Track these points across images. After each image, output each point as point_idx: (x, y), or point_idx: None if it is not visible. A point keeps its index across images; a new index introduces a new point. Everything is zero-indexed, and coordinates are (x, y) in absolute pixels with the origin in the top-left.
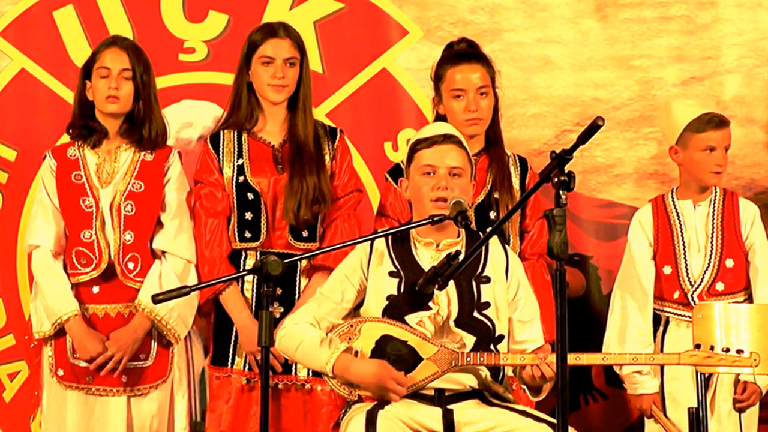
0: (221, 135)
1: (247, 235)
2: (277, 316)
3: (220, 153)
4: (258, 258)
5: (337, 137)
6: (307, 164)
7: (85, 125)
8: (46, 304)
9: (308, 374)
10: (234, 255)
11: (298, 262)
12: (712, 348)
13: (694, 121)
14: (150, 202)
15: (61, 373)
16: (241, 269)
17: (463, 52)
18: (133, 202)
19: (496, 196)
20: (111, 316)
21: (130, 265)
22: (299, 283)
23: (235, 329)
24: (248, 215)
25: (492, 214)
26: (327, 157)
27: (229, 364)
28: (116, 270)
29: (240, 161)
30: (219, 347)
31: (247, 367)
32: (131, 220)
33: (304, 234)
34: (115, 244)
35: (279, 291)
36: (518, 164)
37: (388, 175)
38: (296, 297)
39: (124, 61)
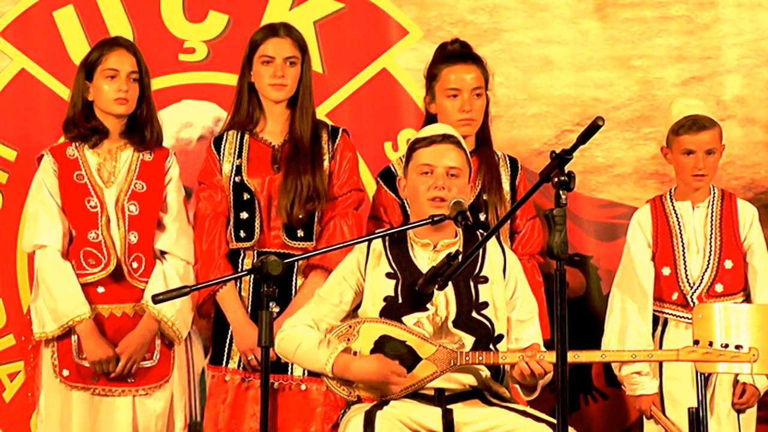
0: (224, 136)
1: (242, 234)
2: (274, 315)
3: (222, 154)
4: (255, 258)
5: (339, 137)
6: (302, 162)
7: (88, 126)
8: (55, 305)
9: (303, 374)
10: (232, 255)
11: (295, 261)
12: (710, 344)
13: (675, 124)
14: (152, 202)
15: (66, 373)
16: (240, 269)
17: (459, 52)
18: (137, 202)
19: (485, 197)
20: (116, 316)
21: (135, 265)
22: (296, 282)
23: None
24: (243, 215)
25: (482, 216)
26: (326, 156)
27: (224, 363)
28: (123, 270)
29: (238, 161)
30: (216, 347)
31: (241, 366)
32: (135, 220)
33: (300, 233)
34: (121, 244)
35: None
36: (508, 165)
37: (378, 178)
38: (292, 296)
39: (132, 63)
